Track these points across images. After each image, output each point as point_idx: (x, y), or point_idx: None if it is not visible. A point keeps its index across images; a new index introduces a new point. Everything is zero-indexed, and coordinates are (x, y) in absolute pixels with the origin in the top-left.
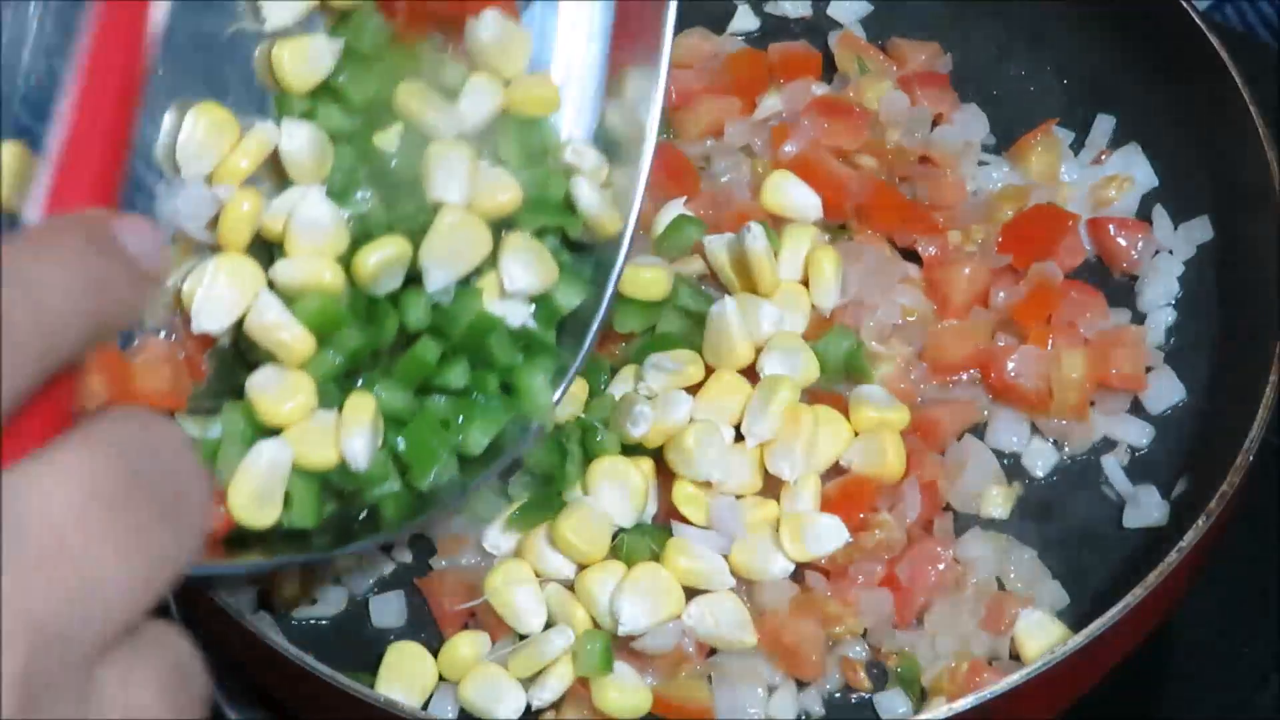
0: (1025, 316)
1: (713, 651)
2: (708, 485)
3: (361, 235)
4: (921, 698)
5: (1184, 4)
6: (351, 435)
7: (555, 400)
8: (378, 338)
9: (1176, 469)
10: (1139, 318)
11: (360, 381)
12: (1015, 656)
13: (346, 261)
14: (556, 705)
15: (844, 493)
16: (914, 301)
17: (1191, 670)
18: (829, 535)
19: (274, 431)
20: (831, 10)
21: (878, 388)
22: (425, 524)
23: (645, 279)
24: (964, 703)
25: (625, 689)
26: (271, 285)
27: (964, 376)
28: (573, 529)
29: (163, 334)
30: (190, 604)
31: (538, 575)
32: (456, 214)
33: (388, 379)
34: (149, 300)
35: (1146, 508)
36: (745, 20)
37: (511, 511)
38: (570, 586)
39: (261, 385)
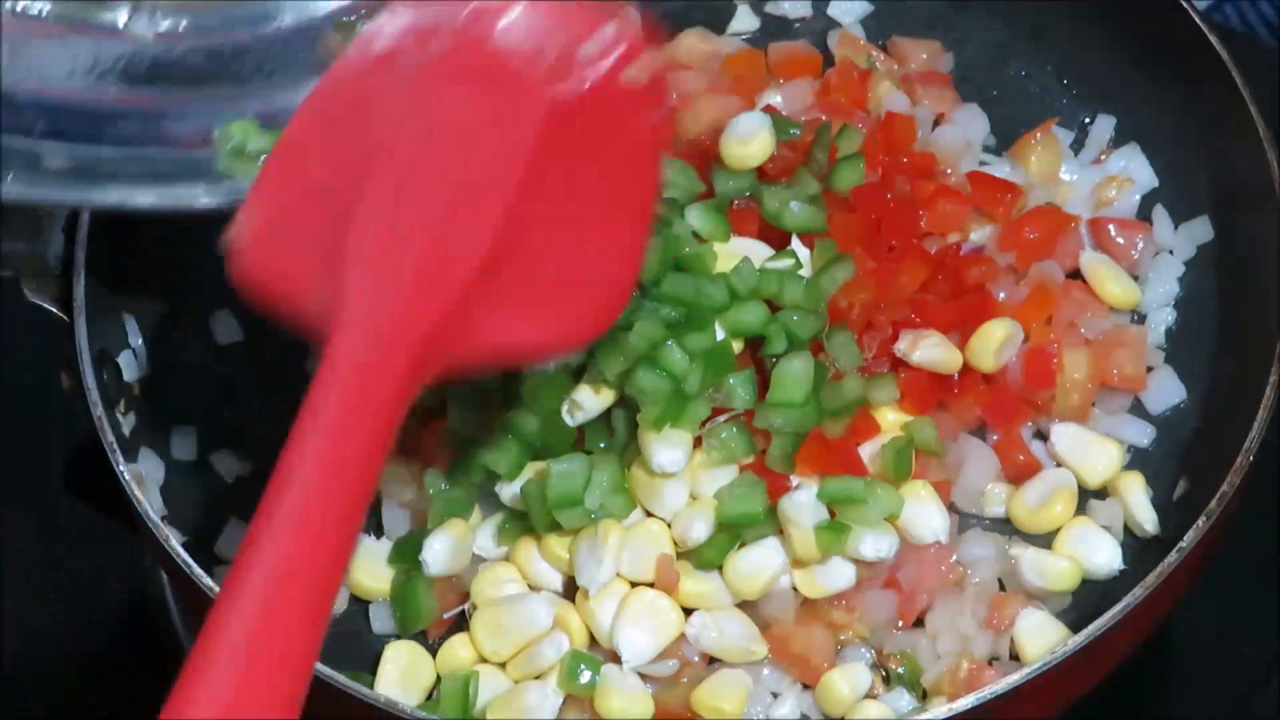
0: (1025, 316)
1: (715, 659)
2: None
3: None
4: (923, 698)
5: (1184, 4)
6: None
7: None
8: None
9: (1176, 469)
10: (1139, 318)
11: None
12: (1015, 656)
13: None
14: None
15: None
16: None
17: (1191, 670)
18: (840, 573)
19: None
20: (831, 10)
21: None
22: None
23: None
24: (964, 703)
25: (627, 696)
26: None
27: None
28: (561, 543)
29: None
30: (191, 604)
31: (528, 584)
32: None
33: None
34: None
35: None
36: (745, 20)
37: (501, 522)
38: (564, 593)
39: None
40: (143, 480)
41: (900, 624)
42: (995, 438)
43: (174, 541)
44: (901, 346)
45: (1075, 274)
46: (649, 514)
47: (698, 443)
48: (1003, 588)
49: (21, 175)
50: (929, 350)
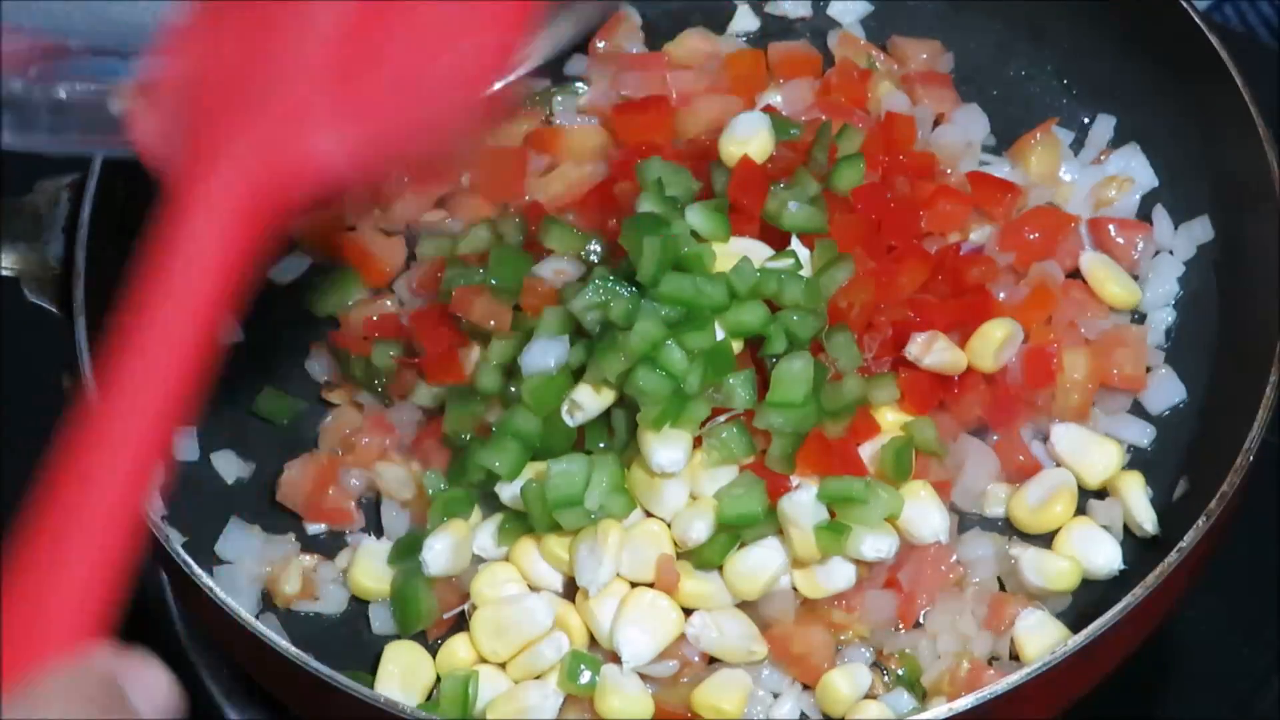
0: (1025, 316)
1: (715, 659)
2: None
3: None
4: (923, 698)
5: (1184, 4)
6: None
7: None
8: None
9: (1176, 469)
10: (1139, 318)
11: None
12: (1015, 656)
13: None
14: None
15: None
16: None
17: (1191, 670)
18: (840, 573)
19: None
20: (831, 10)
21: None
22: None
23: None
24: (964, 703)
25: (627, 696)
26: None
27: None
28: (561, 543)
29: None
30: (190, 604)
31: (528, 584)
32: None
33: None
34: None
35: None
36: (745, 20)
37: (501, 522)
38: (564, 593)
39: None
40: None
41: (900, 624)
42: (995, 438)
43: (174, 541)
44: (913, 350)
45: (1075, 274)
46: (649, 514)
47: (698, 443)
48: (1003, 588)
49: (86, 124)
50: (940, 354)
